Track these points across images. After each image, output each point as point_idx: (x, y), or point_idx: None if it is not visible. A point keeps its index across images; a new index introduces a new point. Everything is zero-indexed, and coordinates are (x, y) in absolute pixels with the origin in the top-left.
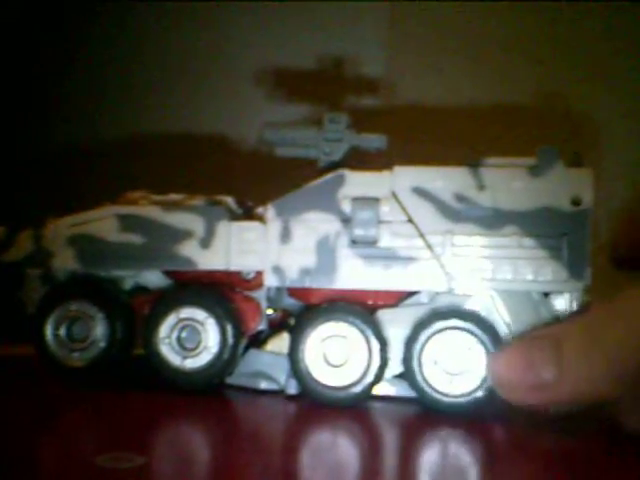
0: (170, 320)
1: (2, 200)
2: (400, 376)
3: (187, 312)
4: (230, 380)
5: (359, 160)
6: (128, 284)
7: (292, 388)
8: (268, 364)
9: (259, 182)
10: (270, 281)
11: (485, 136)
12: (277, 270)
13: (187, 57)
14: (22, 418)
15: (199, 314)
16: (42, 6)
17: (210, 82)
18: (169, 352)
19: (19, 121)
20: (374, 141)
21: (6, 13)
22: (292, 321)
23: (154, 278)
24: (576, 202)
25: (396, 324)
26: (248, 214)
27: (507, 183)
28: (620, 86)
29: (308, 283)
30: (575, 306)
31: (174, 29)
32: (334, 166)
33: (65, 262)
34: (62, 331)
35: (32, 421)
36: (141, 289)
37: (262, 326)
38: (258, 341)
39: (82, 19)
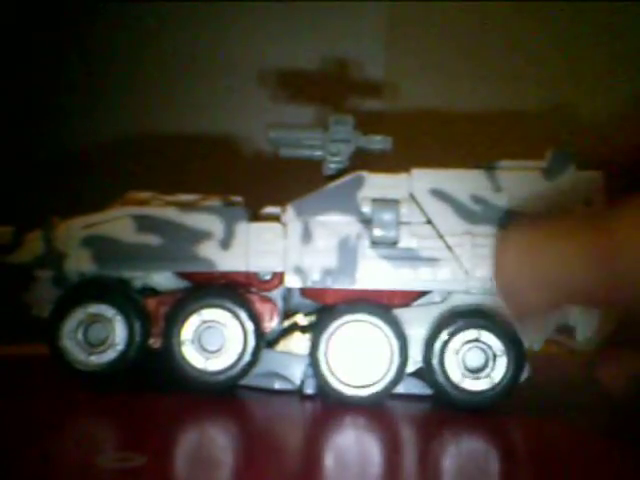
0: (193, 322)
1: (4, 201)
2: (414, 374)
3: (210, 313)
4: (243, 380)
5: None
6: (136, 285)
7: (310, 388)
8: (281, 364)
9: (263, 183)
10: (291, 282)
11: (485, 137)
12: (298, 271)
13: (190, 57)
14: (26, 419)
15: (222, 315)
16: (41, 6)
17: (212, 83)
18: (191, 354)
19: (20, 122)
20: (380, 142)
21: (5, 13)
22: (303, 321)
23: (163, 279)
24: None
25: (414, 323)
26: (255, 215)
27: (522, 185)
28: (620, 87)
29: (330, 283)
30: None
31: (177, 29)
32: (343, 168)
33: (79, 264)
34: (79, 334)
35: (31, 421)
36: (149, 290)
37: (277, 326)
38: (268, 341)
39: (82, 19)
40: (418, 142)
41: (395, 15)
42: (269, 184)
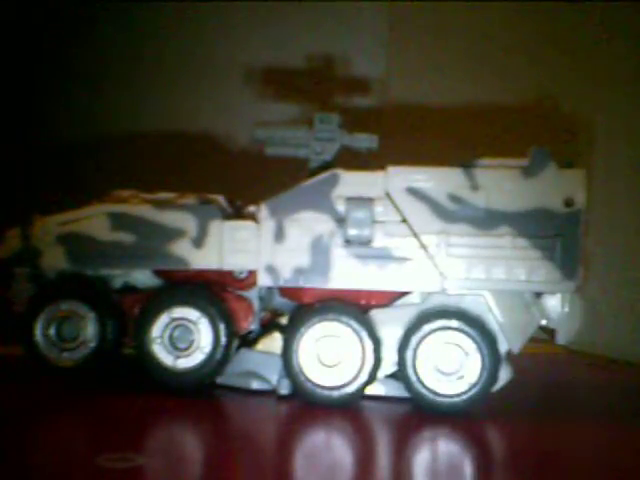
0: (162, 320)
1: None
2: (392, 376)
3: (180, 312)
4: (221, 380)
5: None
6: (117, 283)
7: (284, 388)
8: (259, 364)
9: (250, 181)
10: (263, 281)
11: (485, 136)
12: (271, 269)
13: (181, 56)
14: (20, 419)
15: (192, 314)
16: (42, 6)
17: (214, 82)
18: (161, 352)
19: (15, 119)
20: (365, 141)
21: (8, 10)
22: (283, 320)
23: (143, 277)
24: (569, 203)
25: (389, 324)
26: (238, 213)
27: (500, 184)
28: (620, 86)
29: (302, 283)
30: (567, 306)
31: (168, 29)
32: (326, 166)
33: (54, 261)
34: (52, 331)
35: (30, 421)
36: (130, 288)
37: (253, 326)
38: (247, 341)
39: (78, 20)
40: (418, 140)
41: (396, 14)
42: (256, 182)
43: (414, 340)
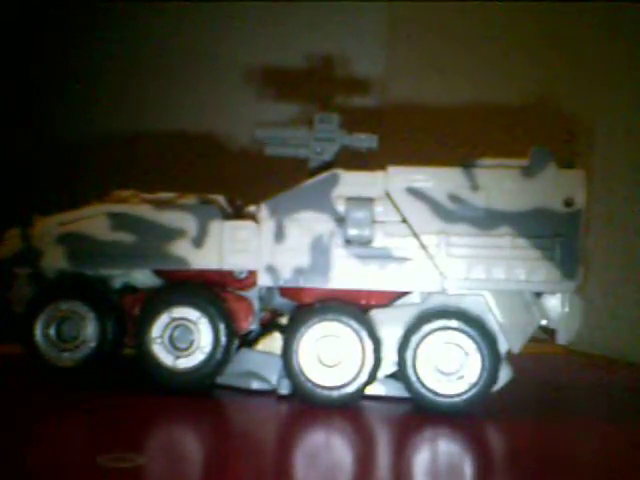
0: (162, 320)
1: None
2: (392, 376)
3: (180, 312)
4: (221, 380)
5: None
6: (117, 283)
7: (284, 388)
8: (259, 364)
9: (250, 181)
10: (263, 281)
11: (485, 136)
12: (271, 269)
13: (182, 56)
14: (20, 419)
15: (192, 314)
16: (42, 6)
17: (216, 82)
18: (161, 352)
19: (15, 119)
20: (365, 141)
21: (7, 11)
22: (283, 320)
23: (143, 277)
24: (568, 203)
25: (389, 324)
26: (238, 213)
27: (500, 184)
28: (620, 87)
29: (302, 283)
30: (567, 306)
31: (169, 29)
32: (326, 166)
33: (54, 261)
34: (52, 331)
35: (30, 421)
36: (130, 288)
37: (253, 326)
38: (247, 341)
39: (78, 20)
40: (418, 140)
41: (395, 14)
42: (256, 182)
43: (414, 340)
